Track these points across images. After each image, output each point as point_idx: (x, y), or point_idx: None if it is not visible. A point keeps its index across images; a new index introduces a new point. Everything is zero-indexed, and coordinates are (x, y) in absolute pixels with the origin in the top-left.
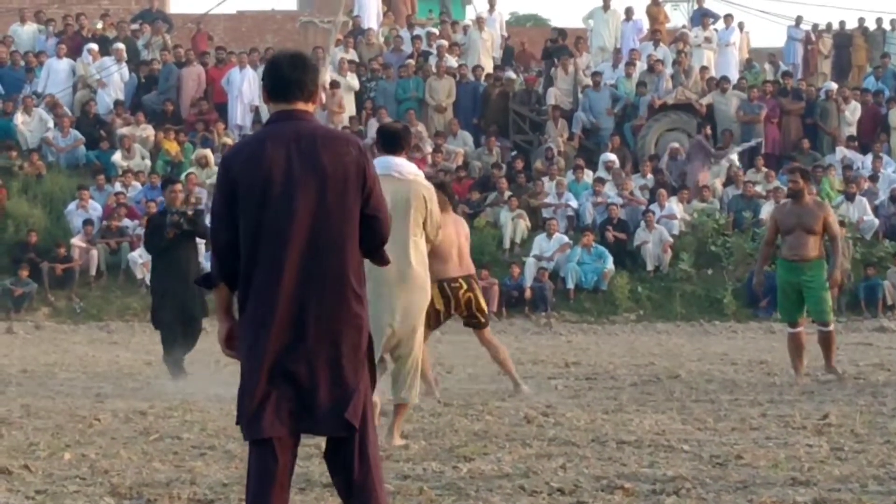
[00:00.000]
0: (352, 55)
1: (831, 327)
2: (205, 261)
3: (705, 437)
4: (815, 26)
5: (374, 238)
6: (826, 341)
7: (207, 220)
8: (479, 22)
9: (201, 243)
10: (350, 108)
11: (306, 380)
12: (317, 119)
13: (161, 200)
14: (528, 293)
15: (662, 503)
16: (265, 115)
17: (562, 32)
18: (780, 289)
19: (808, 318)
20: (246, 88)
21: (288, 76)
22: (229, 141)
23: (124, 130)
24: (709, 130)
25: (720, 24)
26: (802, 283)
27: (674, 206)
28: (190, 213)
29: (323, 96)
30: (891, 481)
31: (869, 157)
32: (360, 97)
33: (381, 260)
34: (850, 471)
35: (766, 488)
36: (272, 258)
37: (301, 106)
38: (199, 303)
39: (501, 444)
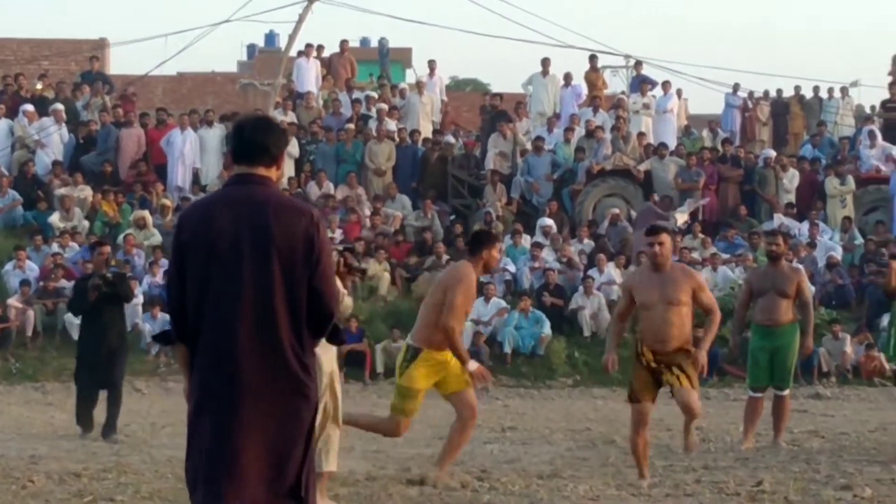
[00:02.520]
0: (291, 117)
1: (787, 392)
2: (142, 322)
3: (639, 503)
4: (751, 94)
5: (316, 311)
6: (783, 408)
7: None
8: (419, 86)
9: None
10: (289, 170)
11: (251, 448)
12: (275, 186)
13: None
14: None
15: None
16: (205, 177)
17: (499, 96)
18: (751, 354)
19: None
20: (187, 150)
21: (251, 139)
22: (168, 203)
23: (62, 191)
24: (656, 197)
25: (658, 91)
26: (775, 348)
27: (612, 271)
28: (109, 275)
29: None
30: None
31: (806, 225)
32: (299, 160)
33: (328, 336)
34: None
35: None
36: (217, 324)
37: (262, 171)
38: (120, 366)
39: None
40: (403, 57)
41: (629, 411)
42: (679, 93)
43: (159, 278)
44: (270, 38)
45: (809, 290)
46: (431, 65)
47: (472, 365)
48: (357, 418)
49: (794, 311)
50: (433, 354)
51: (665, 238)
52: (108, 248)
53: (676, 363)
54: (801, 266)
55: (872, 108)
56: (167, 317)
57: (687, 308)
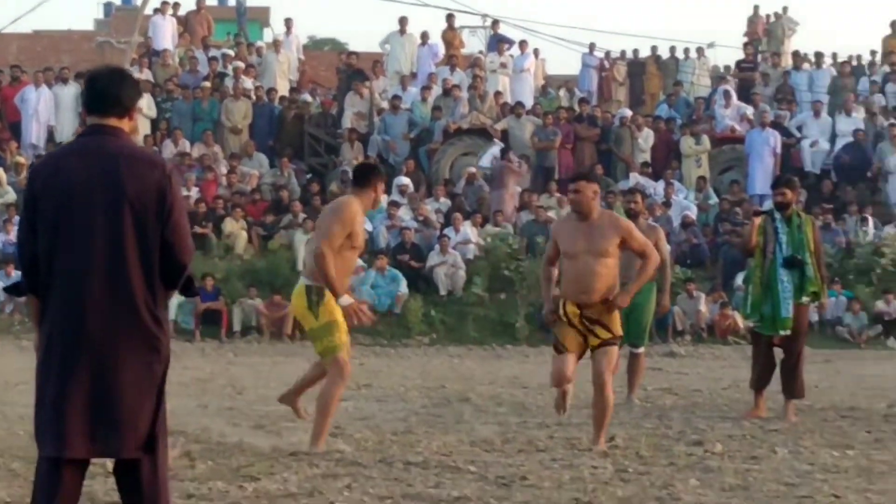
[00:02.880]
0: (147, 75)
1: (642, 350)
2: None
3: (492, 459)
4: (608, 54)
5: (169, 264)
6: (638, 365)
7: None
8: (276, 44)
9: None
10: (145, 128)
11: (100, 400)
12: (127, 137)
13: None
14: None
15: None
16: (60, 134)
17: (355, 55)
18: None
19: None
20: (41, 107)
21: (104, 89)
22: (22, 160)
23: None
24: (512, 155)
25: (515, 51)
26: (631, 306)
27: (468, 230)
28: None
29: None
30: (672, 501)
31: (661, 184)
32: (156, 118)
33: (182, 289)
34: (633, 492)
35: None
36: (67, 276)
37: (114, 122)
38: None
39: (289, 465)
40: (261, 16)
41: (483, 368)
42: (536, 52)
43: (13, 236)
44: None
45: (667, 248)
46: (288, 23)
47: (345, 300)
48: (297, 390)
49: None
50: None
51: (583, 186)
52: None
53: (602, 322)
54: (657, 225)
55: (727, 68)
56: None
57: (614, 260)
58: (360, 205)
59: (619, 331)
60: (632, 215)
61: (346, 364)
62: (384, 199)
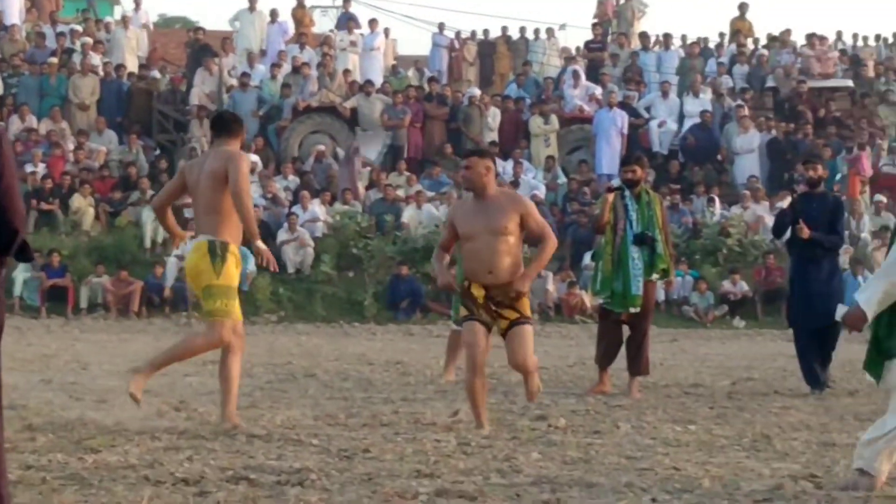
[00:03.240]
0: None
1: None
2: None
3: (335, 433)
4: (458, 34)
5: (1, 229)
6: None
7: None
8: (125, 20)
9: None
10: None
11: None
12: None
13: None
14: (168, 293)
15: (286, 493)
16: None
17: (202, 30)
18: (459, 286)
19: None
20: None
21: None
22: None
23: None
24: (359, 130)
25: (366, 29)
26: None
27: (316, 208)
28: None
29: None
30: (513, 474)
31: (510, 163)
32: (2, 94)
33: (16, 254)
34: (475, 464)
35: (391, 480)
36: None
37: None
38: None
39: (130, 437)
40: None
41: (330, 346)
42: (387, 32)
43: None
44: None
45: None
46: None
47: (262, 244)
48: (167, 359)
49: None
50: (234, 249)
51: (474, 161)
52: None
53: (509, 304)
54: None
55: (578, 49)
56: None
57: (515, 238)
58: None
59: (528, 311)
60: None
61: (227, 334)
62: None
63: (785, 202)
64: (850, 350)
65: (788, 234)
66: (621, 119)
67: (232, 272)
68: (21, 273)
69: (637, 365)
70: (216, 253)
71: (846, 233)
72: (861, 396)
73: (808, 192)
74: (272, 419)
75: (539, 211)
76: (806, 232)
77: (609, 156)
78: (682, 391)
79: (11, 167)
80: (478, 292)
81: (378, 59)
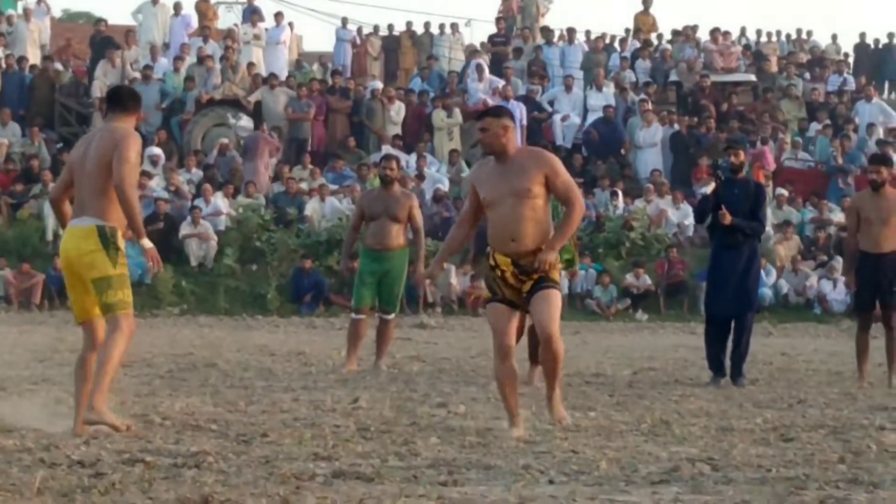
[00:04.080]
0: None
1: (392, 317)
2: None
3: (234, 418)
4: (360, 29)
5: None
6: (388, 332)
7: None
8: (26, 13)
9: None
10: None
11: None
12: None
13: None
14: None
15: (183, 475)
16: None
17: (104, 22)
18: (359, 275)
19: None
20: None
21: None
22: None
23: None
24: (266, 127)
25: (270, 23)
26: (384, 272)
27: (219, 201)
28: None
29: None
30: (411, 457)
31: (414, 157)
32: None
33: None
34: (373, 448)
35: (289, 462)
36: None
37: None
38: None
39: (27, 423)
40: None
41: (233, 338)
42: (291, 25)
43: None
44: None
45: (420, 216)
46: None
47: (148, 242)
48: (102, 381)
49: (405, 236)
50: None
51: (489, 122)
52: None
53: (539, 270)
54: (412, 193)
55: (482, 43)
56: None
57: (542, 202)
58: None
59: (557, 278)
60: (387, 182)
61: (133, 322)
62: None
63: (709, 188)
64: (752, 342)
65: (710, 220)
66: (519, 111)
67: (124, 260)
68: None
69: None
70: (108, 240)
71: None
72: (761, 385)
73: (729, 177)
74: (171, 406)
75: (443, 205)
76: (728, 218)
77: None
78: (583, 380)
79: None
80: (504, 263)
81: (283, 52)
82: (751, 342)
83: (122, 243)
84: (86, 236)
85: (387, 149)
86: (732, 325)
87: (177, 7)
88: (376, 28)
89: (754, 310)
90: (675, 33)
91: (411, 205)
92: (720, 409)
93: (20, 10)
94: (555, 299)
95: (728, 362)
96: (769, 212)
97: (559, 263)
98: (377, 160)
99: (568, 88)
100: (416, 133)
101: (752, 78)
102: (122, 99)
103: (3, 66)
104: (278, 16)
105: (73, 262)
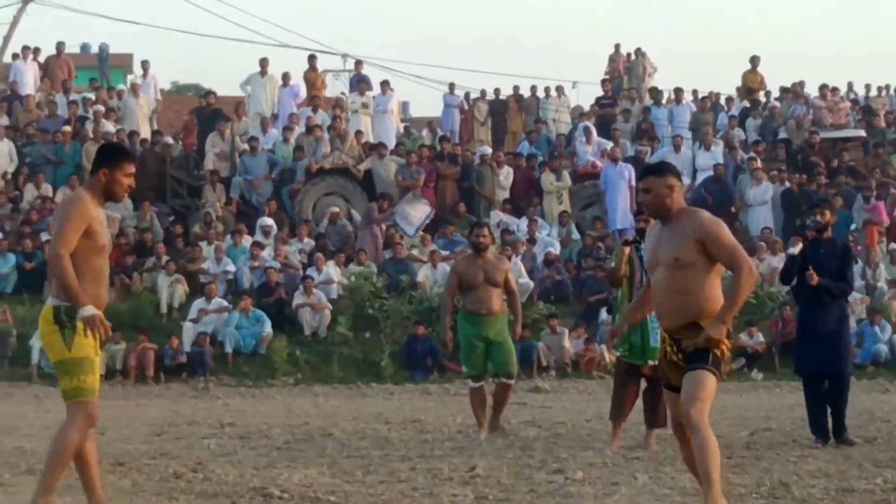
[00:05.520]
0: (6, 120)
1: (513, 382)
2: None
3: (353, 489)
4: (467, 94)
5: None
6: (507, 395)
7: None
8: (134, 88)
9: None
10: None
11: None
12: None
13: None
14: (185, 358)
15: None
16: None
17: (213, 94)
18: (466, 343)
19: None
20: None
21: None
22: None
23: None
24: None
25: (377, 91)
26: (489, 336)
27: (331, 269)
28: None
29: None
30: None
31: (524, 221)
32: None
33: None
34: None
35: None
36: None
37: None
38: None
39: (147, 499)
40: (125, 62)
41: (348, 406)
42: (395, 93)
43: None
44: None
45: (515, 280)
46: (145, 66)
47: (89, 310)
48: (52, 473)
49: (503, 300)
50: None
51: (651, 182)
52: None
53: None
54: (504, 256)
55: (591, 106)
56: None
57: (696, 271)
58: (91, 198)
59: (720, 354)
60: (480, 249)
61: (95, 411)
62: (246, 240)
63: (796, 248)
64: (865, 399)
65: (795, 280)
66: (628, 172)
67: (83, 342)
68: (38, 341)
69: (654, 417)
70: (62, 320)
71: (863, 282)
72: (879, 444)
73: (816, 237)
74: (289, 478)
75: (554, 268)
76: (815, 278)
77: (621, 210)
78: None
79: None
80: (667, 341)
81: (391, 120)
82: (865, 400)
83: (80, 329)
84: (45, 317)
85: (496, 214)
86: (828, 384)
87: (285, 77)
88: (483, 93)
89: (848, 367)
90: (784, 90)
91: (507, 269)
92: (839, 469)
93: (129, 85)
94: (700, 380)
95: (830, 423)
96: (882, 267)
97: (726, 341)
98: (474, 223)
99: (676, 148)
100: (526, 197)
101: (862, 133)
102: (96, 157)
103: (115, 140)
104: (384, 84)
105: (44, 345)
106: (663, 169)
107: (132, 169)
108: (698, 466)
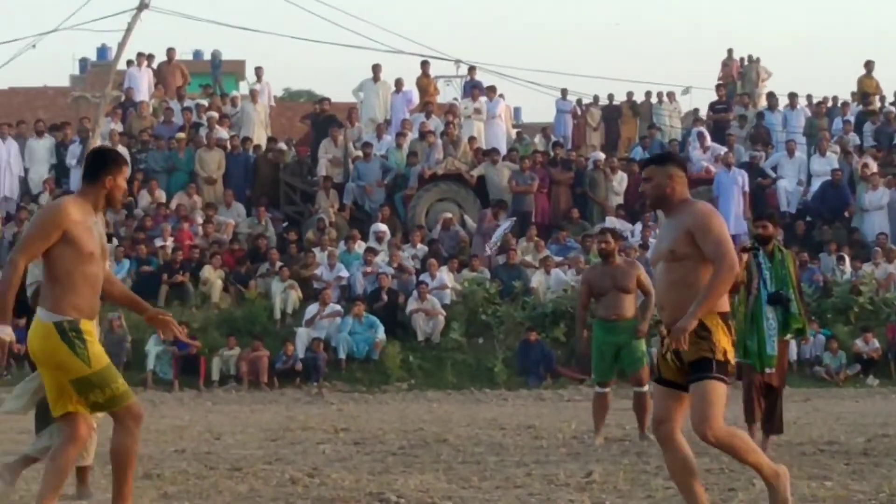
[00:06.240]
0: (121, 127)
1: (647, 389)
2: None
3: (469, 495)
4: (579, 100)
5: None
6: (645, 403)
7: None
8: (252, 94)
9: None
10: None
11: None
12: None
13: None
14: (299, 364)
15: None
16: (33, 185)
17: (327, 100)
18: (597, 349)
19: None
20: (13, 160)
21: None
22: None
23: None
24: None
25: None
26: (621, 343)
27: (444, 275)
28: None
29: None
30: None
31: (639, 226)
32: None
33: None
34: None
35: None
36: None
37: None
38: None
39: None
40: (237, 69)
41: (462, 412)
42: (504, 98)
43: None
44: (102, 51)
45: (650, 280)
46: (258, 72)
47: (5, 330)
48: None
49: (636, 306)
50: (87, 324)
51: (652, 171)
52: None
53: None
54: (635, 259)
55: (705, 112)
56: None
57: (693, 263)
58: (81, 204)
59: (714, 355)
60: (605, 255)
61: (139, 409)
62: (359, 246)
63: None
64: None
65: None
66: (742, 178)
67: (97, 349)
68: (153, 347)
69: (771, 423)
70: (68, 336)
71: None
72: None
73: None
74: (406, 483)
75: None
76: None
77: (734, 216)
78: (816, 448)
79: None
80: (664, 333)
81: (501, 126)
82: None
83: (87, 335)
84: (45, 336)
85: (610, 220)
86: None
87: (398, 83)
88: (596, 98)
89: None
90: None
91: (638, 273)
92: None
93: (241, 91)
94: (706, 392)
95: None
96: None
97: (725, 341)
98: (597, 230)
99: (790, 153)
100: (640, 203)
101: None
102: (86, 166)
103: (229, 147)
104: (490, 89)
105: (39, 359)
106: (666, 158)
107: (128, 173)
108: (752, 465)
